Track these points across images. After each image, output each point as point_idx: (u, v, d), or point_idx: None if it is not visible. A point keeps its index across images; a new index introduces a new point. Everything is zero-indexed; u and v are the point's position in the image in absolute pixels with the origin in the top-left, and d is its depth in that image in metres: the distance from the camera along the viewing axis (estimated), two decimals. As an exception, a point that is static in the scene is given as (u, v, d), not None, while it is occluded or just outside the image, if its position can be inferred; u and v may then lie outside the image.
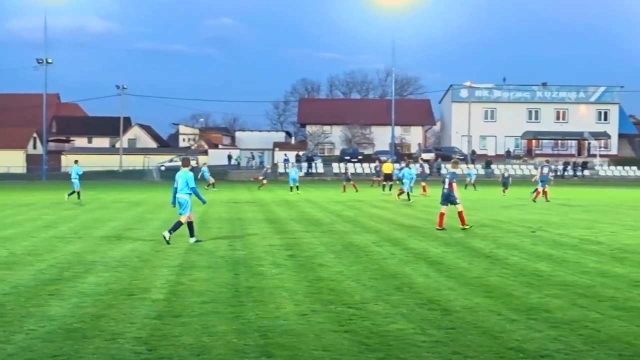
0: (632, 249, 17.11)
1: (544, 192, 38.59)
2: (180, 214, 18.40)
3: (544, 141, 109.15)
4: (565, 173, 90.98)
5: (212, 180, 54.48)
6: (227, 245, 17.69)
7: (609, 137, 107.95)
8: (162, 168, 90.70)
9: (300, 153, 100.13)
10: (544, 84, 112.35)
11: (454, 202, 21.89)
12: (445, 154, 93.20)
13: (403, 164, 42.93)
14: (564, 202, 37.42)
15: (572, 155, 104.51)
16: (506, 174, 50.66)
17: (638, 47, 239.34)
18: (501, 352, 7.88)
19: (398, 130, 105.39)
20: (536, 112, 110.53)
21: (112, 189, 55.18)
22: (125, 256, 15.62)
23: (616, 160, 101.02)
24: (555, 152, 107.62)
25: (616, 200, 40.60)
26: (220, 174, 73.18)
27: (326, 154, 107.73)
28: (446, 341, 8.32)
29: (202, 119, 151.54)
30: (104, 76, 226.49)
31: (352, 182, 52.07)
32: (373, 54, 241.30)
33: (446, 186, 22.13)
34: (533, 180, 43.52)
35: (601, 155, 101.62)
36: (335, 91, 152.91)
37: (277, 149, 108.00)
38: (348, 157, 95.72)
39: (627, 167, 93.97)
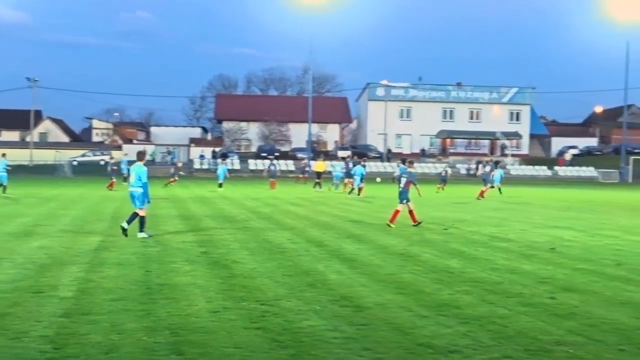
0: (539, 246, 17.59)
1: (482, 190, 40.87)
2: (137, 207, 18.49)
3: (458, 140, 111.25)
4: (477, 172, 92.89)
5: (126, 174, 53.52)
6: (139, 241, 17.42)
7: (520, 137, 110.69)
8: (75, 163, 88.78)
9: (217, 149, 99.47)
10: (459, 84, 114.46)
11: (406, 201, 22.52)
12: (362, 152, 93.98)
13: (350, 162, 44.23)
14: (478, 201, 38.23)
15: (484, 155, 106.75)
16: (443, 173, 52.89)
17: (549, 50, 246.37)
18: (411, 348, 7.99)
19: (315, 127, 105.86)
20: (451, 111, 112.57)
21: (22, 184, 53.69)
22: (34, 253, 15.21)
23: (527, 160, 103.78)
24: (469, 151, 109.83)
25: (526, 198, 41.67)
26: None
27: (243, 151, 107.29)
28: (358, 337, 8.38)
29: (116, 114, 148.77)
30: (14, 68, 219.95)
31: (303, 177, 52.79)
32: (291, 51, 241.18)
33: (402, 185, 22.78)
34: (478, 174, 44.91)
35: (513, 155, 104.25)
36: (252, 88, 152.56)
37: (193, 144, 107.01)
38: (265, 154, 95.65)
39: (537, 167, 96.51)
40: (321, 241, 18.12)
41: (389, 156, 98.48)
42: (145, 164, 18.80)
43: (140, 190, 18.43)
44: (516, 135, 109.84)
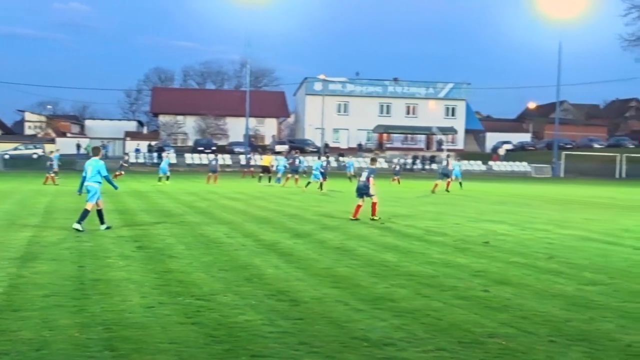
0: (474, 240, 17.86)
1: (441, 184, 42.35)
2: (88, 201, 18.55)
3: (394, 135, 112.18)
4: (414, 166, 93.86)
5: (56, 168, 52.54)
6: (73, 236, 17.12)
7: (456, 132, 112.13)
8: (6, 156, 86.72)
9: (153, 143, 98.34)
10: (396, 79, 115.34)
11: (369, 195, 23.12)
12: (299, 146, 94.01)
13: (297, 157, 45.34)
14: (415, 195, 38.60)
15: (421, 149, 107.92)
16: (397, 167, 55.63)
17: (485, 46, 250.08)
18: (346, 341, 8.03)
19: (252, 121, 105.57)
20: (387, 106, 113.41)
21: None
22: (-38, 248, 14.82)
23: (462, 155, 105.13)
24: (405, 145, 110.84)
25: (462, 192, 42.22)
26: (69, 163, 70.70)
27: (179, 145, 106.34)
28: (294, 332, 8.39)
29: (50, 106, 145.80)
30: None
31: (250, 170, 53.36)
32: (229, 45, 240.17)
33: (363, 179, 23.44)
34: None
35: (448, 150, 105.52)
36: (189, 81, 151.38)
37: (128, 138, 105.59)
38: (202, 148, 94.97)
39: (472, 161, 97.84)
40: (258, 236, 18.08)
41: (326, 151, 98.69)
42: (100, 158, 18.92)
43: (95, 185, 18.52)
44: (452, 131, 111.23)
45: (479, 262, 14.04)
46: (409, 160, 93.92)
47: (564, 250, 16.23)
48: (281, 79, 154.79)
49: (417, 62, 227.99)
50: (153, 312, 9.22)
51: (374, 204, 23.23)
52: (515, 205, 32.22)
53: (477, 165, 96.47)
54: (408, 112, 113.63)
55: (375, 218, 22.85)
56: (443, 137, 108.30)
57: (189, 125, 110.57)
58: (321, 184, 40.73)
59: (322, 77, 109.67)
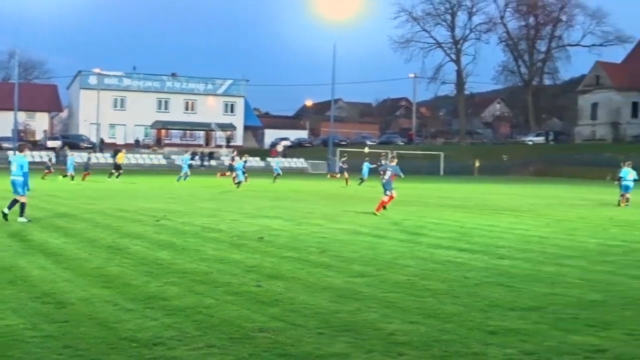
0: (249, 235, 18.06)
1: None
2: (20, 194, 20.34)
3: (173, 131, 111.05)
4: (193, 163, 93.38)
5: None
6: None
7: (234, 128, 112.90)
8: None
9: None
10: (174, 75, 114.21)
11: (387, 191, 25.41)
12: (73, 142, 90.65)
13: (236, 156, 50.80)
14: (193, 191, 38.39)
15: (200, 146, 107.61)
16: (344, 165, 57.33)
17: (263, 44, 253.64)
18: (114, 342, 7.82)
19: (22, 115, 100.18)
20: (166, 101, 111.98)
21: None
22: None
23: (241, 151, 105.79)
24: (184, 142, 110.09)
25: (240, 188, 42.56)
26: None
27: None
28: (58, 335, 8.05)
29: None
30: None
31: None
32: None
33: (386, 177, 25.60)
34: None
35: (227, 146, 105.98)
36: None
37: None
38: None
39: (250, 158, 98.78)
40: (25, 235, 17.21)
41: (102, 147, 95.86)
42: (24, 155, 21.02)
43: (21, 178, 20.28)
44: (231, 127, 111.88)
45: (253, 258, 14.21)
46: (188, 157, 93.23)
47: (335, 244, 16.79)
48: (53, 71, 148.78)
49: (196, 57, 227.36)
50: None
51: (383, 202, 25.44)
52: (292, 200, 32.97)
53: (255, 162, 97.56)
54: (187, 108, 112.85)
55: (377, 213, 24.70)
56: (222, 134, 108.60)
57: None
58: (239, 182, 42.70)
59: (97, 70, 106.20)
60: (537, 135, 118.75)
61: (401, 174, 26.80)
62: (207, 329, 8.48)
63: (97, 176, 54.41)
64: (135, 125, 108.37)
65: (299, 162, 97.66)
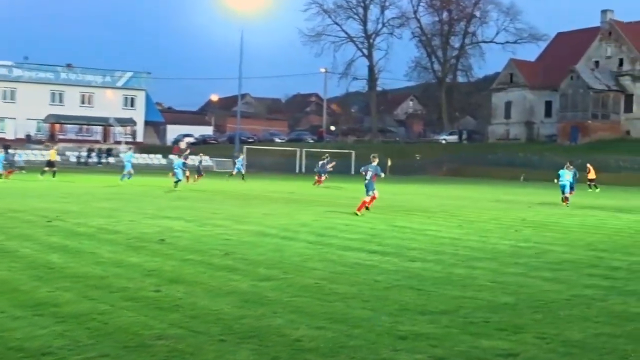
0: (148, 237, 17.82)
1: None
2: None
3: (68, 126, 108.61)
4: (90, 159, 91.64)
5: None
6: None
7: (135, 123, 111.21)
8: None
9: None
10: (69, 65, 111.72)
11: (369, 192, 26.74)
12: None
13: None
14: (89, 190, 37.65)
15: (97, 142, 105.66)
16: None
17: (166, 35, 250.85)
18: (1, 353, 7.60)
19: None
20: (60, 94, 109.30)
21: None
22: None
23: (142, 148, 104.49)
24: (80, 137, 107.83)
25: (139, 188, 41.98)
26: None
27: None
28: None
29: None
30: None
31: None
32: None
33: (368, 177, 26.81)
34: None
35: (127, 142, 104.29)
36: None
37: None
38: None
39: (152, 155, 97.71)
40: None
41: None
42: None
43: None
44: (131, 122, 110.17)
45: (152, 261, 14.03)
46: (84, 154, 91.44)
47: (241, 246, 16.74)
48: None
49: (94, 48, 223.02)
50: None
51: (365, 202, 26.59)
52: (197, 200, 32.70)
53: (157, 159, 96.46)
54: (83, 102, 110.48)
55: (358, 214, 25.61)
56: (121, 129, 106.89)
57: None
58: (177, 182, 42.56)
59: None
60: (451, 134, 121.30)
61: (382, 174, 28.13)
62: (100, 337, 8.32)
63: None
64: (27, 119, 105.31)
65: (203, 160, 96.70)
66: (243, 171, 59.15)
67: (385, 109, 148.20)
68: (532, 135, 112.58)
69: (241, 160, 62.29)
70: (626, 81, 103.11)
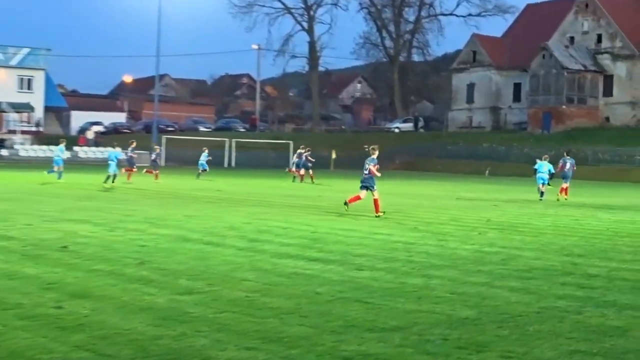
0: (48, 244, 17.59)
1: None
2: None
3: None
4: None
5: None
6: None
7: (32, 109, 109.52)
8: None
9: None
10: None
11: (370, 188, 27.19)
12: None
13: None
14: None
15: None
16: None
17: (66, 6, 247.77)
18: None
19: None
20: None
21: None
22: None
23: (41, 138, 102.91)
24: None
25: (37, 187, 41.46)
26: None
27: None
28: None
29: None
30: None
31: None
32: None
33: (366, 172, 27.48)
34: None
35: (23, 132, 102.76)
36: None
37: None
38: None
39: (53, 146, 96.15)
40: None
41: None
42: None
43: None
44: (27, 108, 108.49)
45: (53, 272, 13.86)
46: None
47: (158, 253, 16.65)
48: None
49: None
50: None
51: (375, 200, 26.97)
52: (107, 200, 32.41)
53: (59, 151, 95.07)
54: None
55: (379, 215, 26.50)
56: (16, 116, 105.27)
57: None
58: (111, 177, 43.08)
59: None
60: (405, 121, 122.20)
61: (369, 165, 28.16)
62: (-10, 363, 8.21)
63: None
64: None
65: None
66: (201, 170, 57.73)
67: (329, 93, 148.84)
68: (498, 122, 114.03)
69: (207, 156, 60.25)
70: (605, 60, 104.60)
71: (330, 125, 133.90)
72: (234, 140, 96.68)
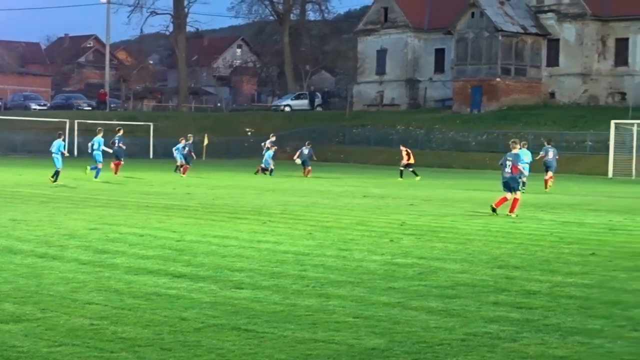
0: None
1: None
2: None
3: None
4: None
5: None
6: None
7: None
8: None
9: None
10: None
11: (515, 189, 29.35)
12: None
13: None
14: None
15: None
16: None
17: None
18: None
19: None
20: None
21: None
22: None
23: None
24: None
25: None
26: None
27: None
28: None
29: None
30: None
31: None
32: None
33: (508, 170, 29.31)
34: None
35: None
36: None
37: None
38: None
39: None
40: None
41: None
42: None
43: None
44: None
45: None
46: None
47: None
48: None
49: None
50: None
51: (515, 200, 29.36)
52: None
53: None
54: None
55: (512, 215, 29.14)
56: None
57: None
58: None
59: None
60: (298, 97, 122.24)
61: (519, 165, 30.79)
62: None
63: None
64: None
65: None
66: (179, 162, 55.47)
67: (200, 60, 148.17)
68: (416, 99, 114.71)
69: (187, 146, 57.14)
70: (549, 21, 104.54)
71: (201, 103, 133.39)
72: (76, 121, 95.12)
